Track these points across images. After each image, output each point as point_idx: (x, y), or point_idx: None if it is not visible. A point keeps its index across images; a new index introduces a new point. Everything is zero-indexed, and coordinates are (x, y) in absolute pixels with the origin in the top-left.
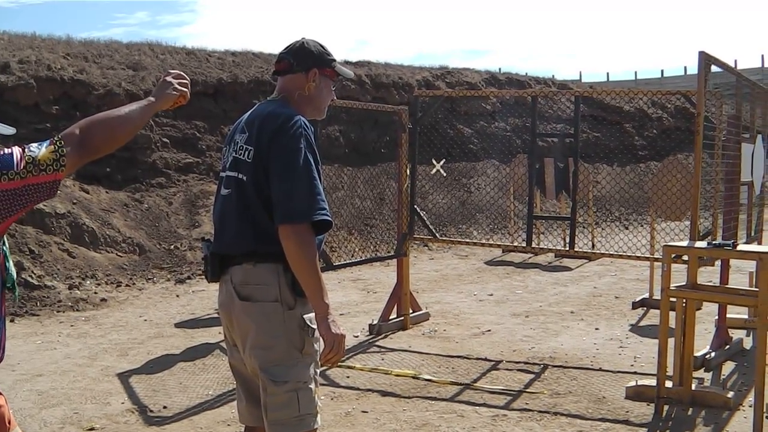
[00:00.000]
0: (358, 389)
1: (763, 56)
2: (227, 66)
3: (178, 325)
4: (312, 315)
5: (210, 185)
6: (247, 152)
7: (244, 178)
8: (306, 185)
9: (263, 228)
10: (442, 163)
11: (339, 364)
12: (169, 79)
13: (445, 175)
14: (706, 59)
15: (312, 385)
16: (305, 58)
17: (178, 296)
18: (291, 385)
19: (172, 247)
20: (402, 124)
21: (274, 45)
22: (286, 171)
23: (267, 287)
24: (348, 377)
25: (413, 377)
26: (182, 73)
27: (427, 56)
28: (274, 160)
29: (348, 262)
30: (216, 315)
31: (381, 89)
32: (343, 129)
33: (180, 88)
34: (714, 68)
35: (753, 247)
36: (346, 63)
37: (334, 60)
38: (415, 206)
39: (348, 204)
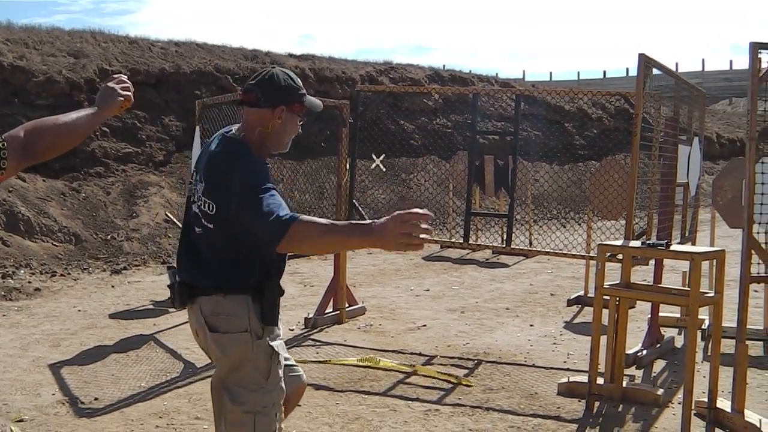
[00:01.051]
0: None
1: (703, 60)
2: (170, 56)
3: (112, 316)
4: (278, 342)
5: (149, 176)
6: (208, 205)
7: (211, 226)
8: (265, 213)
9: (233, 263)
10: (381, 158)
11: None
12: (111, 85)
13: (384, 170)
14: (645, 61)
15: (272, 412)
16: (273, 94)
17: (113, 287)
18: (249, 407)
19: (108, 237)
20: (343, 119)
21: (218, 36)
22: (252, 213)
23: (237, 318)
24: None
25: (373, 367)
26: (124, 77)
27: (372, 51)
28: (234, 206)
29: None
30: (151, 306)
31: (324, 83)
32: None
33: (124, 93)
34: (655, 71)
35: (686, 248)
36: (290, 56)
37: (304, 94)
38: (354, 201)
39: (287, 197)
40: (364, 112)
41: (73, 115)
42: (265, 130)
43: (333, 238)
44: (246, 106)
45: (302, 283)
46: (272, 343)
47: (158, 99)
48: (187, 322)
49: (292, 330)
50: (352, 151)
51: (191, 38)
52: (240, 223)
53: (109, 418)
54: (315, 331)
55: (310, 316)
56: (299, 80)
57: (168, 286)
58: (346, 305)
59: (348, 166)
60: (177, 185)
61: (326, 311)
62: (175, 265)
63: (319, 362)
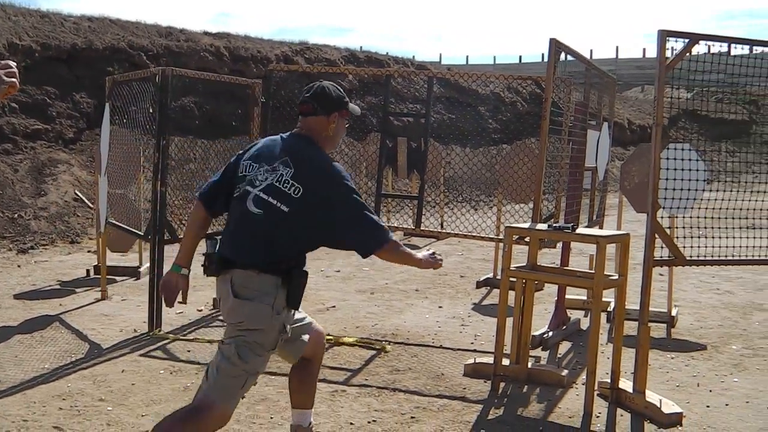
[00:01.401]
0: (198, 363)
1: (617, 47)
2: (82, 31)
3: (17, 297)
4: (290, 324)
5: (59, 153)
6: (294, 188)
7: (285, 209)
8: (370, 218)
9: (280, 248)
10: None
11: (182, 338)
12: None
13: None
14: (556, 46)
15: (257, 377)
16: (327, 104)
17: (19, 266)
18: (249, 367)
19: (15, 215)
20: (255, 98)
21: (133, 12)
22: (357, 215)
23: (264, 294)
24: (189, 351)
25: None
26: (9, 62)
27: (290, 31)
28: (341, 208)
29: None
30: (58, 286)
31: (239, 62)
32: (198, 101)
33: (8, 79)
34: (570, 57)
35: (591, 231)
36: (205, 34)
37: (348, 101)
38: None
39: (199, 177)
40: (276, 91)
41: None
42: (327, 134)
43: (404, 258)
44: (303, 116)
45: None
46: (286, 323)
47: (69, 75)
48: (93, 303)
49: (201, 311)
50: (264, 130)
51: (105, 14)
52: (333, 212)
53: (10, 400)
54: None
55: None
56: (342, 89)
57: (204, 254)
58: None
59: None
60: (87, 163)
61: None
62: (217, 237)
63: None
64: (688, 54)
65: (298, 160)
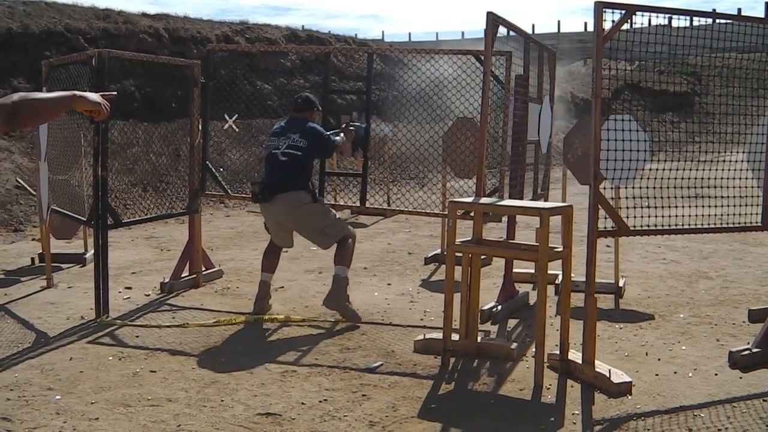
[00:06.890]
0: (147, 348)
1: (559, 22)
2: (17, 15)
3: None
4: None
5: None
6: (301, 142)
7: (299, 153)
8: (329, 141)
9: (300, 175)
10: (234, 118)
11: (130, 324)
12: (99, 96)
13: (237, 130)
14: (493, 20)
15: (339, 221)
16: (309, 106)
17: None
18: (327, 226)
19: None
20: (194, 79)
21: None
22: (323, 142)
23: (302, 199)
24: (137, 336)
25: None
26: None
27: (231, 11)
28: (316, 142)
29: (138, 219)
30: (2, 276)
31: (179, 43)
32: (138, 83)
33: (102, 101)
34: (512, 33)
35: (534, 204)
36: (144, 16)
37: (318, 105)
38: (207, 162)
39: (143, 160)
40: (216, 71)
41: (55, 95)
42: (311, 119)
43: (346, 145)
44: (299, 111)
45: (159, 248)
46: (323, 202)
47: (5, 60)
48: (38, 291)
49: (148, 295)
50: (205, 111)
51: None
52: (318, 145)
53: None
54: (171, 295)
55: (166, 280)
56: (313, 98)
57: (255, 192)
58: (203, 269)
59: (200, 127)
60: (28, 150)
61: (182, 275)
62: (257, 181)
63: (176, 326)
64: (627, 26)
65: (299, 128)
